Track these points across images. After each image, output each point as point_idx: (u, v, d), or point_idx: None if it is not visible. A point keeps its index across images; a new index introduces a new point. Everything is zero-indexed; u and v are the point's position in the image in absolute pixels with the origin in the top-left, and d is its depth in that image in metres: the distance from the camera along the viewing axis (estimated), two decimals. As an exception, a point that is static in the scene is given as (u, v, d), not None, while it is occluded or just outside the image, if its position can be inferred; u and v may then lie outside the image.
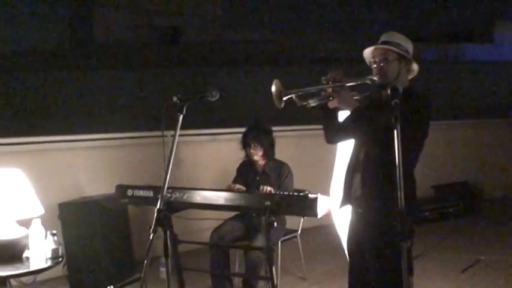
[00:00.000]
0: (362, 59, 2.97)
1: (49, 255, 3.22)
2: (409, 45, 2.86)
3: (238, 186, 4.20)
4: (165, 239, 2.83)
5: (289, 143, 4.69)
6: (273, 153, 4.49)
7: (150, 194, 3.61)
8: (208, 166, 5.86)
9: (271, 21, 12.06)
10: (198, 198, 3.47)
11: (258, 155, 4.41)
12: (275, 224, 3.17)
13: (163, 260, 4.46)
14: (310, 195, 3.18)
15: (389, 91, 2.35)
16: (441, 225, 6.78)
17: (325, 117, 2.92)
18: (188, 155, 5.73)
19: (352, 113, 2.78)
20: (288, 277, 4.81)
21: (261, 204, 3.20)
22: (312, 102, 2.85)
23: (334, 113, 2.89)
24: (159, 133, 5.18)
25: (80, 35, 12.00)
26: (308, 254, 4.90)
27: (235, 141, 4.65)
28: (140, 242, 4.79)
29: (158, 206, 2.73)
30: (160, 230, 2.74)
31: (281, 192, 3.40)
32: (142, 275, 2.75)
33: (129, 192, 3.69)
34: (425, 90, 2.88)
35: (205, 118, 6.33)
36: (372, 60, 2.85)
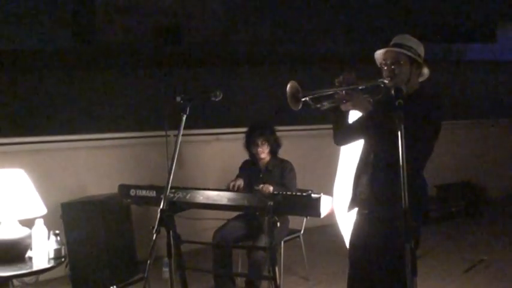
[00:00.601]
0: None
1: (52, 255, 3.22)
2: (421, 49, 2.84)
3: (237, 183, 4.17)
4: (168, 239, 2.83)
5: (293, 143, 4.69)
6: (277, 151, 4.50)
7: (153, 193, 3.62)
8: (211, 166, 5.85)
9: (274, 21, 12.05)
10: (201, 198, 3.47)
11: (265, 152, 4.43)
12: (278, 223, 3.17)
13: (166, 259, 4.43)
14: (313, 195, 3.18)
15: (392, 91, 2.33)
16: (444, 225, 6.76)
17: (336, 120, 2.92)
18: (191, 155, 5.72)
19: (365, 116, 2.77)
20: (291, 277, 4.81)
21: (264, 204, 3.20)
22: (326, 105, 2.83)
23: (345, 115, 2.89)
24: (162, 133, 5.19)
25: (83, 34, 12.00)
26: (311, 254, 4.90)
27: (238, 141, 4.65)
28: (143, 242, 4.79)
29: (162, 206, 2.72)
30: (163, 230, 2.74)
31: (284, 192, 3.40)
32: (146, 274, 2.75)
33: (132, 192, 3.70)
34: (437, 92, 2.87)
35: (208, 118, 6.32)
36: (383, 62, 2.83)
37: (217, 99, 2.94)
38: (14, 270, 3.03)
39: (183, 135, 2.80)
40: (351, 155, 3.69)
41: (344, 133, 2.92)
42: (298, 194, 3.37)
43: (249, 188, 4.29)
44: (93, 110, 9.22)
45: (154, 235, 2.66)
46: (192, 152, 5.78)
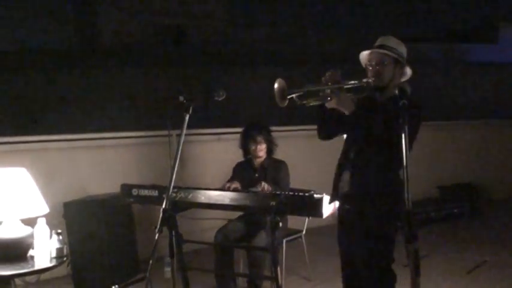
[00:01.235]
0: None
1: (53, 254, 3.21)
2: (403, 50, 2.96)
3: (234, 185, 4.18)
4: (171, 239, 2.83)
5: (295, 143, 4.70)
6: (273, 150, 4.50)
7: (155, 193, 3.61)
8: (213, 166, 5.85)
9: (276, 21, 12.04)
10: (203, 198, 3.46)
11: (262, 150, 4.43)
12: (280, 224, 3.17)
13: (168, 259, 4.46)
14: (315, 196, 3.18)
15: (397, 92, 2.37)
16: (446, 226, 6.75)
17: (321, 116, 3.00)
18: (193, 155, 5.72)
19: (350, 114, 2.82)
20: (293, 277, 4.80)
21: (266, 204, 3.20)
22: (311, 102, 2.91)
23: (330, 112, 2.94)
24: (165, 132, 5.19)
25: (85, 34, 12.00)
26: (313, 254, 4.89)
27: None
28: (145, 242, 4.79)
29: (164, 206, 2.72)
30: (165, 229, 2.74)
31: (286, 193, 3.39)
32: (147, 274, 2.74)
33: (134, 192, 3.69)
34: (416, 96, 2.94)
35: (210, 118, 6.32)
36: (368, 63, 2.94)
37: (220, 99, 2.95)
38: (16, 269, 3.02)
39: (185, 134, 2.80)
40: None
41: (328, 129, 3.03)
42: (301, 194, 3.36)
43: (245, 187, 4.28)
44: (95, 110, 9.22)
45: (157, 235, 2.66)
46: (195, 151, 5.78)
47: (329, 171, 4.62)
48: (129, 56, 10.72)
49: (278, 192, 3.58)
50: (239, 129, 6.23)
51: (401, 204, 2.81)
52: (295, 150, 4.66)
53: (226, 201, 3.40)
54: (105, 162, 5.25)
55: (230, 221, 4.35)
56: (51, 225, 3.27)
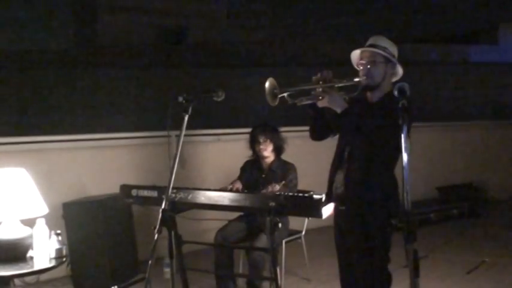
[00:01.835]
0: None
1: (53, 255, 3.21)
2: (394, 50, 2.97)
3: (236, 185, 4.19)
4: (170, 240, 2.83)
5: (294, 144, 4.68)
6: (281, 150, 4.49)
7: (155, 194, 3.60)
8: (213, 166, 5.85)
9: (277, 23, 12.04)
10: (203, 198, 3.46)
11: (267, 151, 4.42)
12: (280, 225, 3.16)
13: (167, 260, 4.45)
14: (314, 196, 3.17)
15: (396, 92, 2.36)
16: (446, 227, 6.76)
17: (313, 116, 3.01)
18: (193, 155, 5.72)
19: (340, 113, 2.83)
20: (292, 278, 4.80)
21: (265, 205, 3.19)
22: (303, 101, 2.91)
23: (322, 112, 2.95)
24: (164, 133, 5.18)
25: (84, 34, 12.00)
26: (312, 255, 4.89)
27: (240, 141, 4.64)
28: (144, 242, 4.78)
29: (163, 206, 2.72)
30: (164, 230, 2.74)
31: (285, 193, 3.39)
32: (147, 275, 2.74)
33: (134, 192, 3.68)
34: (409, 95, 2.93)
35: (210, 118, 6.31)
36: (359, 62, 2.95)
37: (219, 99, 2.94)
38: (15, 270, 3.02)
39: (184, 135, 2.80)
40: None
41: (320, 129, 3.03)
42: (300, 194, 3.36)
43: (251, 188, 4.29)
44: (94, 110, 9.22)
45: (156, 235, 2.66)
46: (194, 152, 5.78)
47: (328, 171, 4.63)
48: (128, 57, 10.72)
49: (277, 193, 3.58)
50: (239, 130, 6.25)
51: (396, 203, 2.83)
52: (295, 150, 4.65)
53: (226, 202, 3.40)
54: (104, 162, 5.25)
55: (230, 221, 4.34)
56: (51, 225, 3.27)
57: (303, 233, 4.59)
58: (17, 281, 3.39)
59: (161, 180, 3.61)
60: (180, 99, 2.82)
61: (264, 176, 4.41)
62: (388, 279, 2.95)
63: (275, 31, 12.14)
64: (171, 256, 2.83)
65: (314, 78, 2.87)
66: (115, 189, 3.91)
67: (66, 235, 4.37)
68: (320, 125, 3.02)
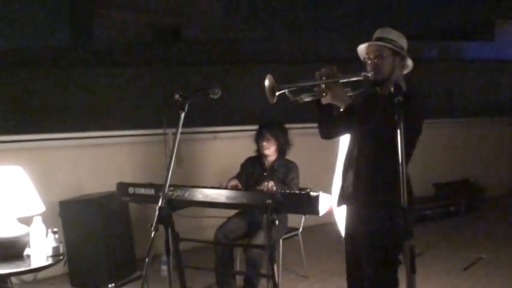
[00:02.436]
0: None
1: (50, 253, 3.20)
2: (403, 41, 2.86)
3: (232, 183, 4.18)
4: (167, 237, 2.82)
5: (294, 141, 4.69)
6: (285, 151, 4.48)
7: (152, 192, 3.60)
8: (209, 164, 5.85)
9: (272, 19, 12.04)
10: (200, 196, 3.46)
11: (270, 149, 4.40)
12: (277, 222, 3.16)
13: (164, 258, 4.43)
14: (311, 193, 3.17)
15: (392, 88, 2.33)
16: (443, 223, 6.77)
17: (319, 113, 2.93)
18: (190, 153, 5.71)
19: (344, 109, 2.78)
20: (290, 275, 4.80)
21: (262, 202, 3.19)
22: (305, 98, 2.85)
23: (328, 108, 2.89)
24: (160, 131, 5.18)
25: (81, 33, 11.98)
26: (309, 252, 4.89)
27: (236, 139, 4.65)
28: (141, 240, 4.78)
29: (160, 204, 2.72)
30: (161, 228, 2.74)
31: (283, 190, 3.39)
32: (144, 273, 2.74)
33: (131, 190, 3.68)
34: (419, 88, 2.88)
35: (207, 116, 6.31)
36: (366, 56, 2.86)
37: (216, 97, 2.93)
38: (12, 268, 3.02)
39: (181, 133, 2.79)
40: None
41: (328, 127, 2.93)
42: (297, 192, 3.37)
43: (252, 184, 4.28)
44: (91, 108, 9.21)
45: (153, 233, 2.65)
46: (191, 150, 5.77)
47: (325, 169, 4.64)
48: (125, 55, 10.71)
49: (274, 188, 3.59)
50: (236, 128, 6.25)
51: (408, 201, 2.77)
52: (293, 147, 4.65)
53: (223, 200, 3.40)
54: (101, 161, 5.24)
55: (229, 218, 4.34)
56: (47, 223, 3.27)
57: (300, 230, 4.59)
58: (13, 279, 3.38)
59: (158, 178, 3.61)
60: (177, 96, 2.81)
61: (265, 174, 4.41)
62: (395, 283, 2.82)
63: (272, 29, 12.13)
64: (168, 254, 2.82)
65: (317, 73, 2.80)
66: (112, 187, 3.91)
67: (63, 233, 4.36)
68: (328, 123, 2.91)
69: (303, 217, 4.46)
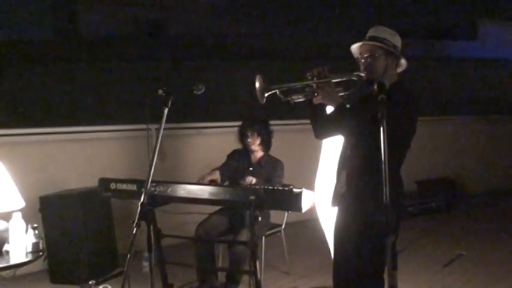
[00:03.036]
0: (350, 56, 2.95)
1: (29, 249, 3.17)
2: (396, 40, 2.85)
3: (211, 177, 4.15)
4: (148, 233, 2.81)
5: (275, 138, 4.69)
6: (270, 143, 4.48)
7: (134, 187, 3.58)
8: (193, 160, 5.82)
9: (257, 15, 12.02)
10: (182, 192, 3.44)
11: (255, 144, 4.41)
12: (259, 218, 3.16)
13: (146, 254, 4.42)
14: (294, 190, 3.18)
15: (375, 86, 2.33)
16: (424, 220, 6.83)
17: (312, 113, 2.92)
18: (173, 149, 5.69)
19: (335, 109, 2.77)
20: (272, 271, 4.81)
21: (245, 198, 3.19)
22: (296, 98, 2.85)
23: (321, 108, 2.88)
24: (143, 126, 5.15)
25: (63, 27, 11.85)
26: (292, 248, 4.90)
27: (220, 135, 4.64)
28: (123, 236, 4.75)
29: (142, 200, 2.70)
30: (144, 224, 2.72)
31: (265, 187, 3.39)
32: (125, 269, 2.72)
33: (112, 186, 3.65)
34: (407, 86, 2.89)
35: (190, 112, 6.28)
36: (360, 56, 2.85)
37: (199, 93, 2.93)
38: (-9, 264, 2.98)
39: (165, 128, 2.78)
40: (332, 149, 3.70)
41: (322, 127, 2.89)
42: (280, 188, 3.37)
43: (236, 177, 4.28)
44: (73, 103, 9.12)
45: (135, 229, 2.64)
46: (174, 145, 5.75)
47: (308, 166, 4.65)
48: (108, 49, 10.61)
49: (257, 186, 3.58)
50: (219, 124, 6.22)
51: (401, 203, 2.75)
52: (275, 145, 4.66)
53: (206, 196, 3.39)
54: (83, 156, 5.20)
55: (211, 215, 4.33)
56: (27, 219, 3.23)
57: (283, 226, 4.60)
58: (-8, 275, 3.35)
59: (141, 174, 3.58)
60: (160, 92, 2.80)
61: (251, 169, 4.41)
62: (381, 284, 2.81)
63: (257, 24, 12.11)
64: (149, 250, 2.81)
65: (308, 73, 2.79)
66: (94, 183, 3.87)
67: (43, 229, 4.31)
68: (321, 123, 2.87)
69: (286, 214, 4.46)
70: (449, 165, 8.25)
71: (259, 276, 3.29)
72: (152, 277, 2.92)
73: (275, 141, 4.64)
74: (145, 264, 4.62)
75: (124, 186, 3.62)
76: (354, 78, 2.82)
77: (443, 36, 12.84)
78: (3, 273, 3.61)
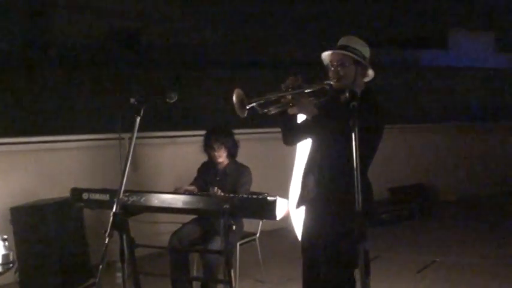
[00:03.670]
0: (321, 63, 2.99)
1: (-1, 261, 3.12)
2: (365, 50, 2.92)
3: (186, 187, 4.13)
4: (121, 244, 2.79)
5: (248, 146, 4.70)
6: (236, 153, 4.47)
7: (106, 197, 3.54)
8: (167, 169, 5.79)
9: (232, 24, 12.05)
10: (156, 201, 3.42)
11: (222, 156, 4.38)
12: (234, 227, 3.16)
13: (119, 264, 4.38)
14: (268, 198, 3.18)
15: (347, 94, 2.37)
16: (397, 227, 6.89)
17: (284, 122, 2.97)
18: (146, 158, 5.65)
19: (311, 119, 2.82)
20: (247, 280, 4.80)
21: (219, 207, 3.18)
22: (273, 110, 2.89)
23: (293, 117, 2.94)
24: (116, 135, 5.10)
25: (36, 35, 11.70)
26: (267, 257, 4.90)
27: (194, 144, 4.62)
28: (96, 247, 4.69)
29: (114, 210, 2.67)
30: (116, 234, 2.69)
31: (240, 195, 3.39)
32: (97, 279, 2.69)
33: (85, 196, 3.61)
34: (378, 95, 2.95)
35: (164, 120, 6.26)
36: (330, 63, 2.91)
37: (172, 101, 2.92)
38: (-41, 277, 2.91)
39: (138, 137, 2.76)
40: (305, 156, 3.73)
41: (292, 134, 3.00)
42: (254, 196, 3.37)
43: (204, 188, 4.26)
44: (44, 111, 9.00)
45: (107, 239, 2.61)
46: (147, 154, 5.71)
47: (282, 174, 4.67)
48: (80, 58, 10.51)
49: (231, 195, 3.57)
50: (193, 132, 6.19)
51: (370, 205, 2.80)
52: (248, 153, 4.66)
53: (180, 205, 3.37)
54: (54, 165, 5.12)
55: (184, 224, 4.31)
56: (-3, 231, 3.17)
57: (257, 235, 4.59)
58: (-39, 288, 3.28)
59: (114, 184, 3.56)
60: (132, 101, 2.78)
61: (218, 178, 4.39)
62: (352, 285, 2.88)
63: (230, 33, 12.13)
64: (122, 260, 2.78)
65: (283, 85, 2.82)
66: (65, 193, 3.83)
67: (14, 240, 4.23)
68: (292, 131, 2.98)
69: (260, 222, 4.46)
70: (422, 172, 8.36)
71: (234, 285, 3.28)
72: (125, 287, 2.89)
73: (249, 149, 4.64)
74: (119, 274, 4.57)
75: (97, 196, 3.58)
76: (326, 86, 2.86)
77: (414, 45, 13.05)
78: (-28, 286, 3.53)
